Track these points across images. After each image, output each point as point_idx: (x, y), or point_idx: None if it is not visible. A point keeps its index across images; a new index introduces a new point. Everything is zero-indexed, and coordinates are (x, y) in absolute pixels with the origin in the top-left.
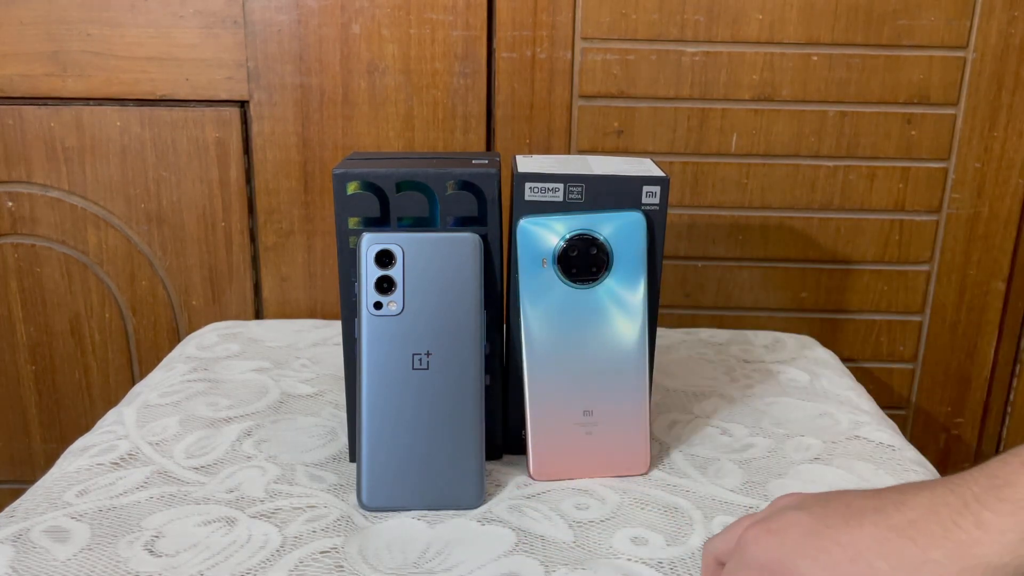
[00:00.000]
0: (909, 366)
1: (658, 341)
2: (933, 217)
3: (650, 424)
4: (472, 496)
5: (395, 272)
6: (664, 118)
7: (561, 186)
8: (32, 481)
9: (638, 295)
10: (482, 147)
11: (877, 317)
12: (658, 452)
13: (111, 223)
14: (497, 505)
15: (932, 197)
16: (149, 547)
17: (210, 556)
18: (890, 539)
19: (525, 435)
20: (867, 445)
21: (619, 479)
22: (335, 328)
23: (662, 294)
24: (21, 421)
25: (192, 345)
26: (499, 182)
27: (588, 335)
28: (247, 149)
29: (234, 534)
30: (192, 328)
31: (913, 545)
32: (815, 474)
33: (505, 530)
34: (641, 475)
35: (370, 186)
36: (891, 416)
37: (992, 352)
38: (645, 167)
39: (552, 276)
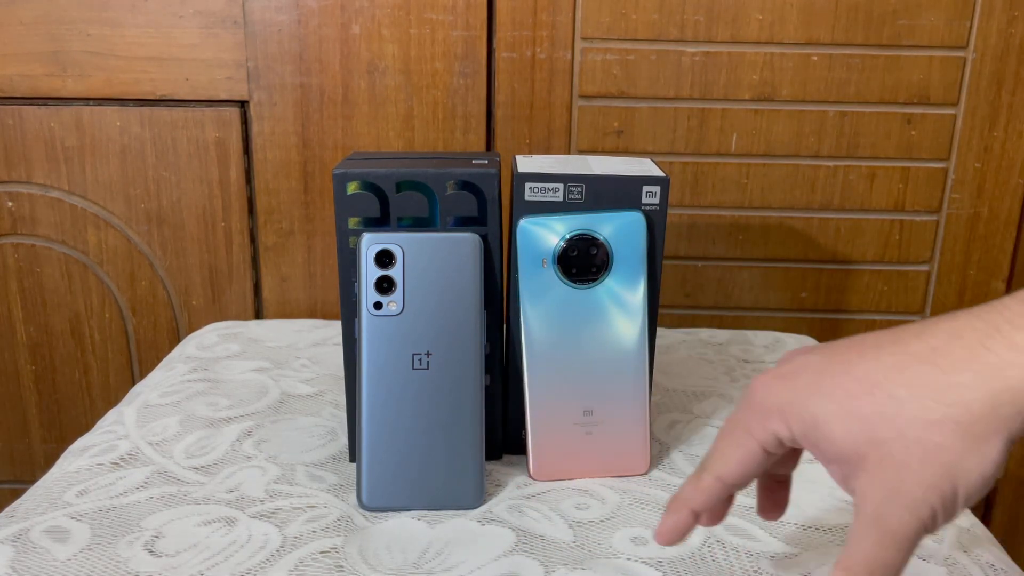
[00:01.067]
0: None
1: (658, 341)
2: (933, 217)
3: (650, 424)
4: (472, 496)
5: (395, 272)
6: (664, 118)
7: (561, 186)
8: (32, 481)
9: (638, 295)
10: (482, 147)
11: (877, 317)
12: (658, 452)
13: (111, 223)
14: (497, 505)
15: (932, 197)
16: (149, 547)
17: (210, 556)
18: (910, 365)
19: (525, 435)
20: None
21: (619, 479)
22: (335, 328)
23: (662, 294)
24: (21, 421)
25: (192, 345)
26: (499, 182)
27: (588, 335)
28: (247, 149)
29: (234, 534)
30: (192, 328)
31: (936, 369)
32: (815, 474)
33: (505, 530)
34: (641, 475)
35: (370, 186)
36: None
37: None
38: (645, 167)
39: (552, 276)
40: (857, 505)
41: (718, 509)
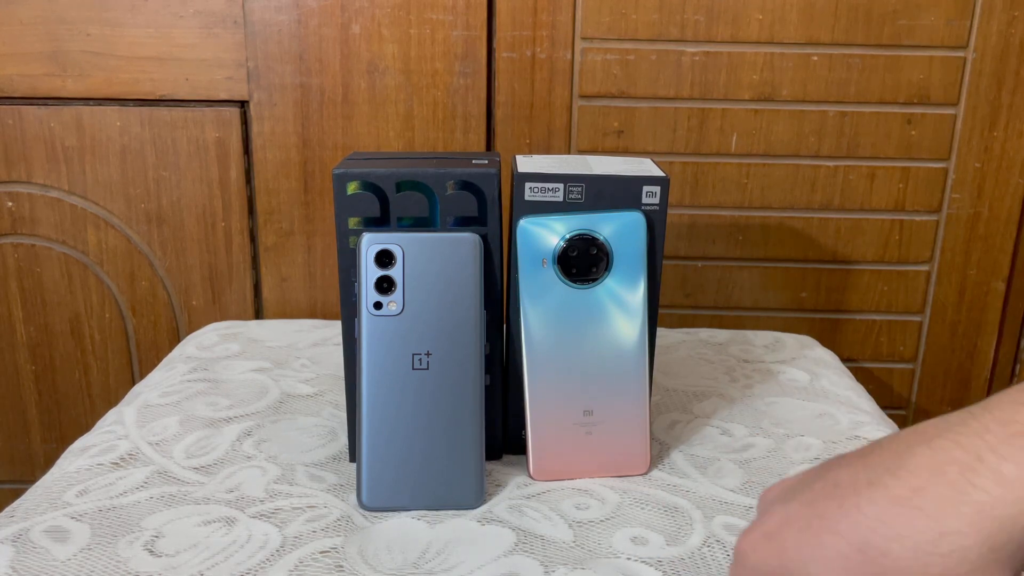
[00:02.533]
0: (909, 366)
1: (658, 341)
2: (933, 217)
3: (650, 424)
4: (472, 496)
5: (395, 272)
6: (664, 118)
7: (561, 186)
8: (32, 481)
9: (638, 295)
10: (482, 147)
11: (877, 317)
12: (658, 452)
13: (111, 223)
14: (497, 505)
15: (932, 197)
16: (149, 547)
17: (210, 556)
18: (897, 515)
19: (525, 435)
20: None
21: (619, 479)
22: (335, 328)
23: (662, 294)
24: (21, 421)
25: (192, 345)
26: (499, 182)
27: (588, 335)
28: (247, 149)
29: (234, 534)
30: (192, 328)
31: (924, 517)
32: None
33: (505, 530)
34: (641, 475)
35: (370, 186)
36: (891, 416)
37: (992, 352)
38: (645, 167)
39: (552, 276)
40: None
41: None
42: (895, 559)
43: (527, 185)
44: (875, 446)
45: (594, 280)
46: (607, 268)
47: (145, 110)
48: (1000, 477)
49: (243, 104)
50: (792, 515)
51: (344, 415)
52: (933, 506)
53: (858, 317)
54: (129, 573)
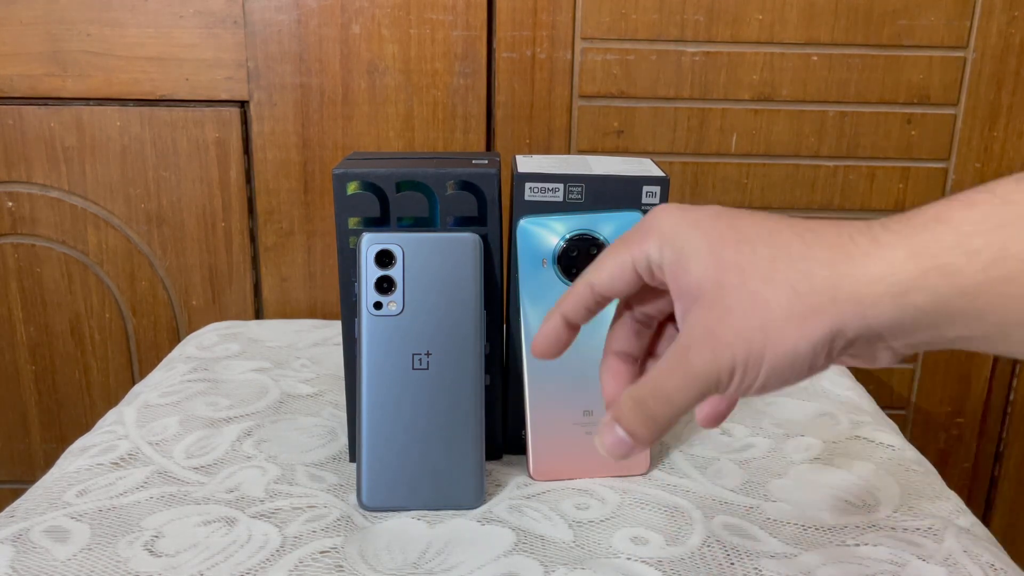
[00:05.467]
0: (909, 366)
1: None
2: None
3: None
4: (472, 496)
5: (395, 272)
6: (664, 118)
7: (561, 186)
8: (32, 481)
9: None
10: (482, 147)
11: None
12: (658, 452)
13: (111, 223)
14: (497, 505)
15: (932, 197)
16: (149, 547)
17: (210, 556)
18: (782, 233)
19: (525, 435)
20: (867, 445)
21: (619, 479)
22: (335, 328)
23: None
24: (21, 421)
25: (192, 345)
26: (499, 182)
27: (588, 335)
28: (247, 149)
29: (234, 534)
30: (192, 328)
31: (800, 241)
32: (815, 474)
33: (505, 530)
34: (641, 475)
35: (370, 186)
36: (891, 416)
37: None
38: (645, 167)
39: (552, 276)
40: (675, 339)
41: (581, 316)
42: (756, 257)
43: (527, 185)
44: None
45: None
46: None
47: (145, 110)
48: (875, 238)
49: (243, 104)
50: (714, 209)
51: (344, 415)
52: (813, 238)
53: None
54: (129, 573)
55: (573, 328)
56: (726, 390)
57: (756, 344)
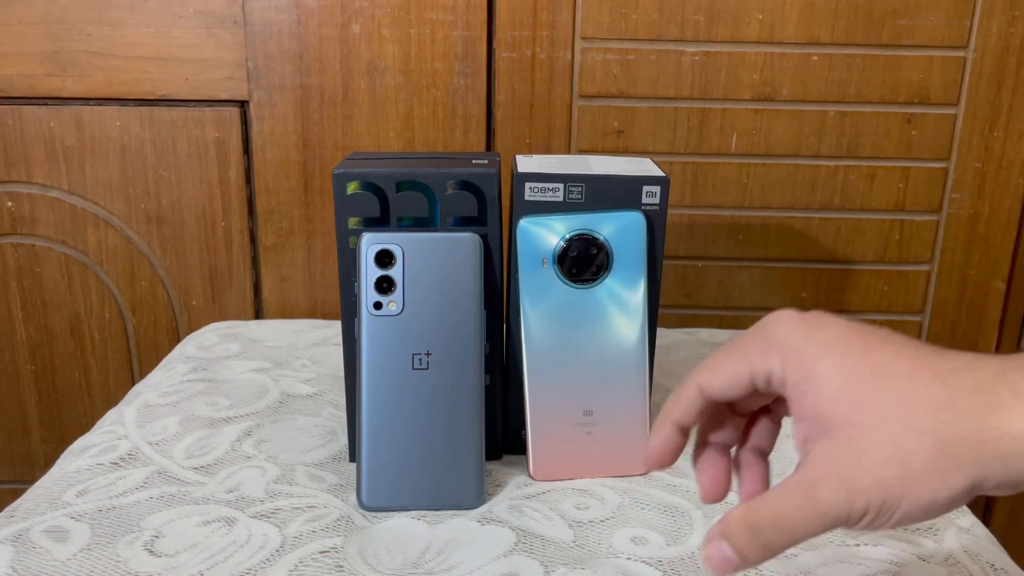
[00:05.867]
0: None
1: (658, 341)
2: (933, 217)
3: (650, 424)
4: (472, 496)
5: (395, 272)
6: (664, 118)
7: (561, 186)
8: (32, 481)
9: (638, 295)
10: (482, 147)
11: (877, 317)
12: None
13: (111, 223)
14: (497, 505)
15: (932, 197)
16: (149, 547)
17: (210, 556)
18: (922, 375)
19: (525, 435)
20: None
21: (619, 479)
22: (335, 328)
23: (662, 294)
24: (21, 421)
25: (192, 345)
26: (499, 182)
27: (588, 335)
28: (247, 149)
29: (234, 534)
30: (192, 328)
31: (943, 388)
32: None
33: (505, 530)
34: (641, 475)
35: (370, 186)
36: None
37: (992, 352)
38: (645, 167)
39: (552, 276)
40: (800, 466)
41: (692, 420)
42: (897, 397)
43: (527, 185)
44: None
45: (594, 280)
46: (607, 268)
47: (145, 110)
48: (1015, 390)
49: (243, 104)
50: (837, 324)
51: (344, 415)
52: (954, 385)
53: (858, 317)
54: (129, 573)
55: (685, 433)
56: (851, 527)
57: (895, 492)
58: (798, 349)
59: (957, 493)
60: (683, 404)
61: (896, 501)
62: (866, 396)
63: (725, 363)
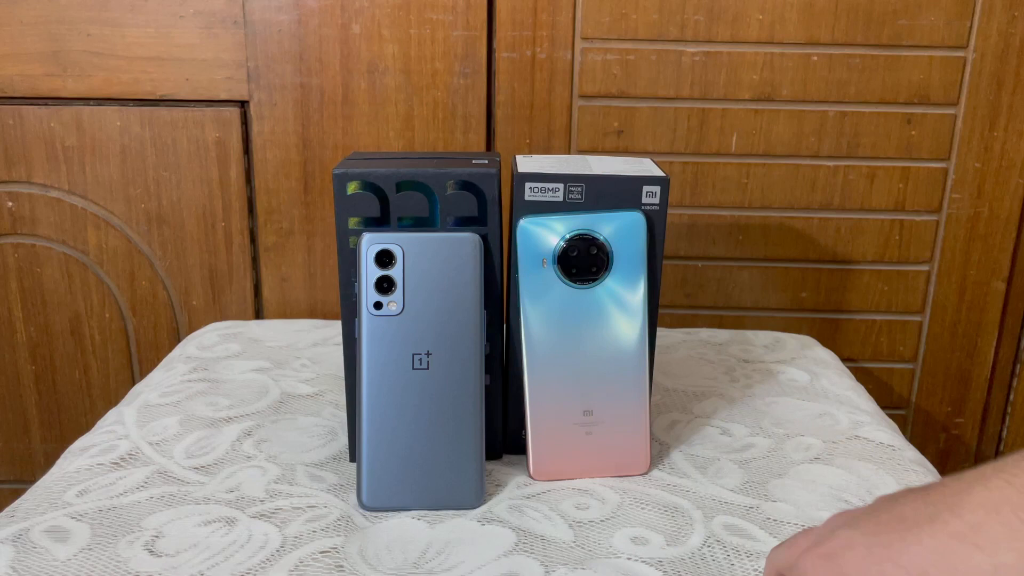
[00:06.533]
0: (909, 366)
1: (658, 341)
2: (933, 217)
3: (650, 424)
4: (472, 496)
5: (395, 272)
6: (664, 118)
7: (561, 186)
8: (32, 481)
9: (638, 295)
10: (482, 147)
11: (877, 317)
12: (658, 452)
13: (111, 223)
14: (497, 505)
15: (932, 197)
16: (149, 547)
17: (210, 556)
18: (953, 550)
19: (525, 435)
20: (867, 445)
21: (619, 479)
22: (335, 328)
23: (662, 294)
24: (21, 421)
25: (192, 345)
26: (499, 182)
27: (588, 335)
28: (247, 149)
29: (234, 534)
30: (192, 328)
31: (980, 552)
32: (815, 474)
33: (505, 530)
34: (641, 475)
35: (370, 186)
36: (891, 416)
37: (992, 352)
38: (645, 167)
39: (552, 276)
40: None
41: None
42: None
43: (527, 185)
44: (937, 483)
45: (594, 280)
46: (607, 268)
47: (145, 110)
48: None
49: (243, 104)
50: (856, 541)
51: (344, 415)
52: (988, 542)
53: (858, 317)
54: (129, 573)
55: None
56: None
57: None
58: None
59: None
60: None
61: None
62: None
63: None
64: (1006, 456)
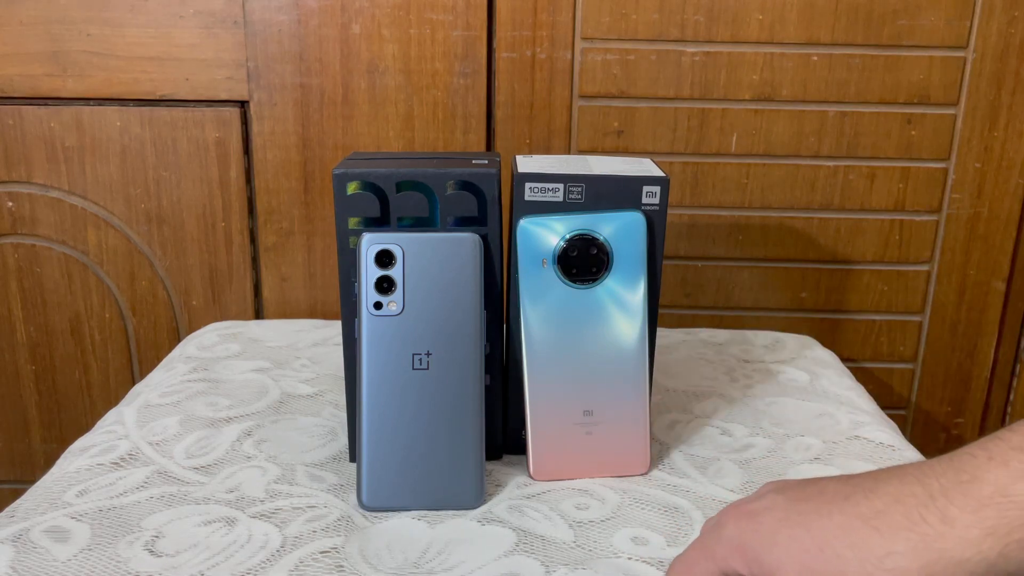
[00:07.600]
0: (909, 366)
1: (658, 341)
2: (933, 217)
3: (650, 424)
4: (472, 496)
5: (395, 272)
6: (664, 118)
7: (561, 186)
8: (32, 481)
9: (638, 295)
10: (482, 147)
11: (877, 317)
12: (658, 452)
13: (111, 223)
14: (497, 505)
15: (932, 197)
16: (149, 547)
17: (210, 556)
18: (856, 528)
19: (525, 435)
20: (867, 445)
21: (619, 479)
22: (335, 328)
23: (662, 294)
24: (21, 421)
25: (192, 345)
26: (499, 182)
27: (588, 335)
28: (247, 149)
29: (234, 534)
30: (192, 328)
31: (878, 535)
32: (815, 474)
33: (505, 530)
34: (641, 475)
35: (370, 186)
36: (891, 416)
37: (992, 352)
38: (645, 167)
39: (552, 276)
40: None
41: None
42: (844, 562)
43: (527, 185)
44: (867, 473)
45: (594, 280)
46: (607, 268)
47: (145, 110)
48: (945, 516)
49: (243, 104)
50: (778, 504)
51: (344, 415)
52: (888, 528)
53: (858, 317)
54: (129, 573)
55: None
56: None
57: None
58: (752, 544)
59: None
60: None
61: None
62: (819, 570)
63: (697, 568)
64: (939, 456)
